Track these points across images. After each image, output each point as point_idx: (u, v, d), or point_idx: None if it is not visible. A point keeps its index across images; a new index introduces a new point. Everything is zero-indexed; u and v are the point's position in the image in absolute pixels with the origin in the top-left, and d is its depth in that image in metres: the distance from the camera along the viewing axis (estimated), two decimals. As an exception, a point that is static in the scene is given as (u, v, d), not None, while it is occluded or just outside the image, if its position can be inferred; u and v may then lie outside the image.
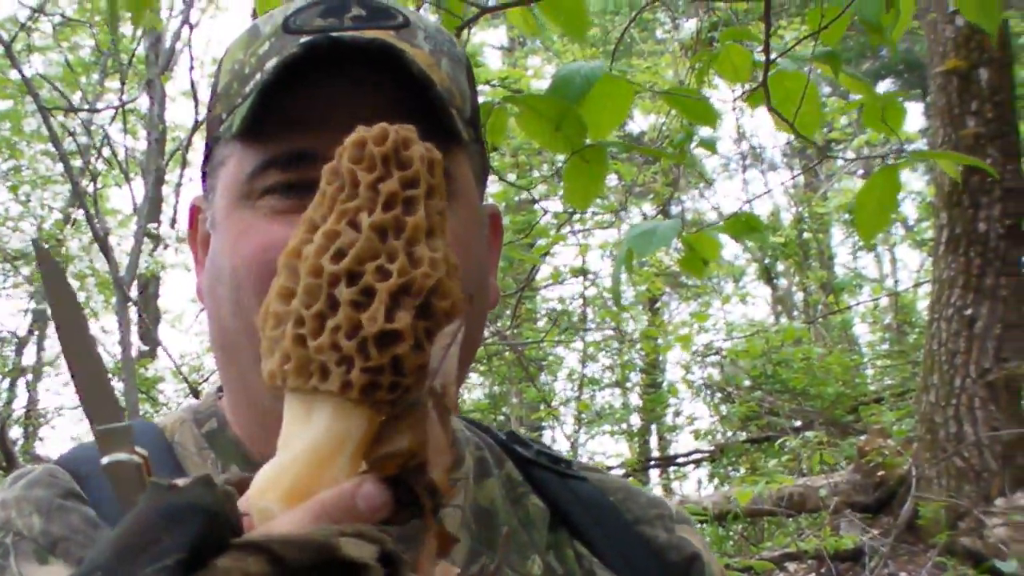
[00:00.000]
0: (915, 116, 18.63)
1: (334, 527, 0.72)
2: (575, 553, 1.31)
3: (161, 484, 0.72)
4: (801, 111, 2.56)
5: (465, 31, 2.72)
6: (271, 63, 1.18)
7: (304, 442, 0.78)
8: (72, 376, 1.00)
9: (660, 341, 12.87)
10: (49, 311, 1.06)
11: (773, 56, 2.53)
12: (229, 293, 1.19)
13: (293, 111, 1.16)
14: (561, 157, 2.46)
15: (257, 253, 1.15)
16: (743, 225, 2.80)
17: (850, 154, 14.17)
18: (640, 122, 16.23)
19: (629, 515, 1.39)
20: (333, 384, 0.77)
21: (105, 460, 0.94)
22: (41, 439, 14.23)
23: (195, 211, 1.35)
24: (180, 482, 0.72)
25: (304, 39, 1.17)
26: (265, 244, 1.15)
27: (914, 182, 18.16)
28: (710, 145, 2.89)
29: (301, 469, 0.77)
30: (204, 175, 1.31)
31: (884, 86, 18.41)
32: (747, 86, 2.77)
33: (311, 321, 0.78)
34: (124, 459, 0.94)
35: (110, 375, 1.09)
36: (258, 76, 1.18)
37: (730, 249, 18.22)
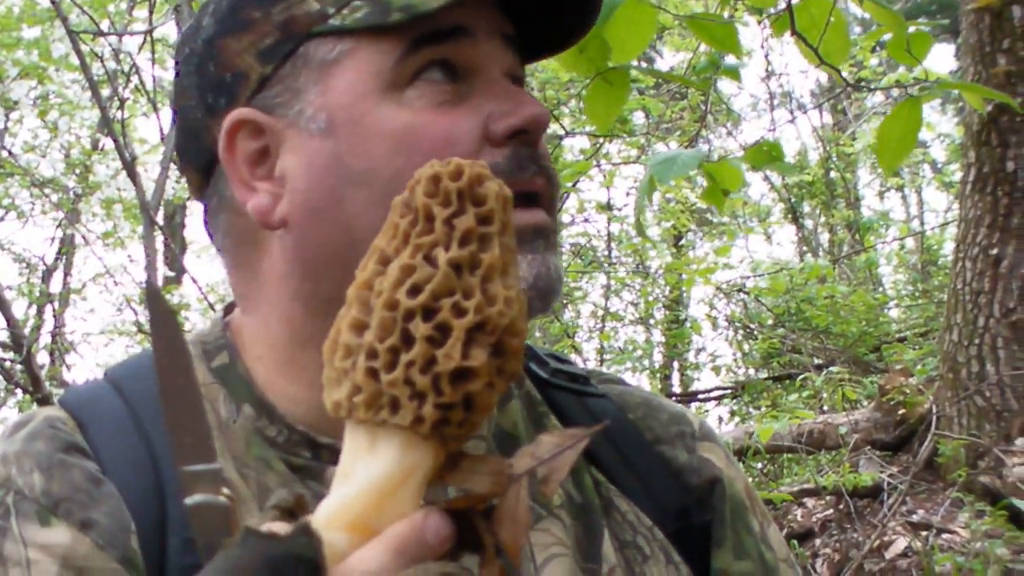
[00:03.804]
0: (947, 57, 18.43)
1: (432, 567, 0.73)
2: (593, 480, 1.25)
3: (259, 532, 0.72)
4: (826, 38, 2.54)
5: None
6: None
7: (371, 473, 0.77)
8: (165, 411, 0.97)
9: (684, 276, 12.85)
10: (152, 347, 1.03)
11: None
12: (381, 197, 1.04)
13: None
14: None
15: (440, 149, 1.04)
16: (764, 155, 2.79)
17: (879, 94, 14.00)
18: (669, 59, 16.15)
19: (649, 434, 1.32)
20: (405, 418, 0.76)
21: (190, 500, 0.92)
22: (68, 365, 14.38)
23: (237, 127, 1.13)
24: (278, 529, 0.72)
25: None
26: (446, 139, 1.07)
27: (944, 124, 18.00)
28: (734, 73, 2.87)
29: (368, 500, 0.76)
30: (262, 84, 1.13)
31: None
32: (774, 13, 2.76)
33: (385, 355, 0.77)
34: (211, 501, 0.92)
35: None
36: None
37: (757, 188, 18.13)
